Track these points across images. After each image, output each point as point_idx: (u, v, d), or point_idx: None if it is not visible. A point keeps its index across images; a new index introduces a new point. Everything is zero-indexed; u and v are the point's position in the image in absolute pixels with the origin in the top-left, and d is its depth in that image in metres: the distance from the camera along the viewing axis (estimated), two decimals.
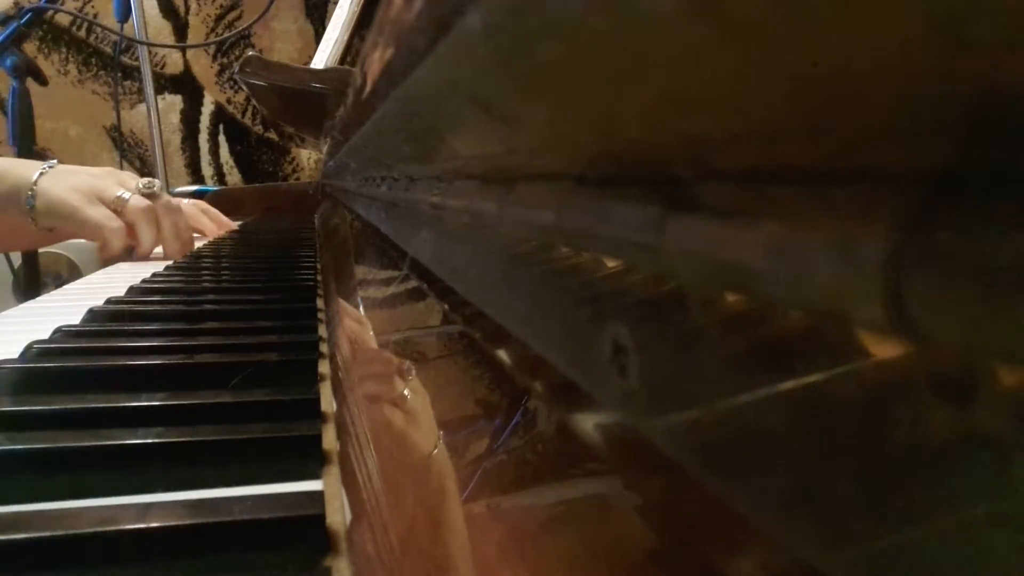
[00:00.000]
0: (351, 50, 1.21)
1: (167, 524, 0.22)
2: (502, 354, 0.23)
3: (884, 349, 0.09)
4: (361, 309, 0.47)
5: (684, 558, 0.12)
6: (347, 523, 0.23)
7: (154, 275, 0.74)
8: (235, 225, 1.29)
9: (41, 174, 0.87)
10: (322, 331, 0.48)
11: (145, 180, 0.93)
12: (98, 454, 0.27)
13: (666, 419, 0.13)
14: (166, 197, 0.94)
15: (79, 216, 0.86)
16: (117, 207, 0.88)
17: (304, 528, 0.23)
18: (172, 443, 0.28)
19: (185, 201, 1.28)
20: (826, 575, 0.09)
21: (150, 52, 1.92)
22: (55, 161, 0.90)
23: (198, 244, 1.04)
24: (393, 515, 0.20)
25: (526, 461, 0.19)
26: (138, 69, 1.93)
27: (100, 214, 0.86)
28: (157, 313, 0.54)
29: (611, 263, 0.16)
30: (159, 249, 0.94)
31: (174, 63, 2.15)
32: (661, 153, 0.14)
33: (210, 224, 1.20)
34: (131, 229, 0.89)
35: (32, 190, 0.86)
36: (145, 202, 0.90)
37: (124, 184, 0.91)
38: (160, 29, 2.10)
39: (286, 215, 1.60)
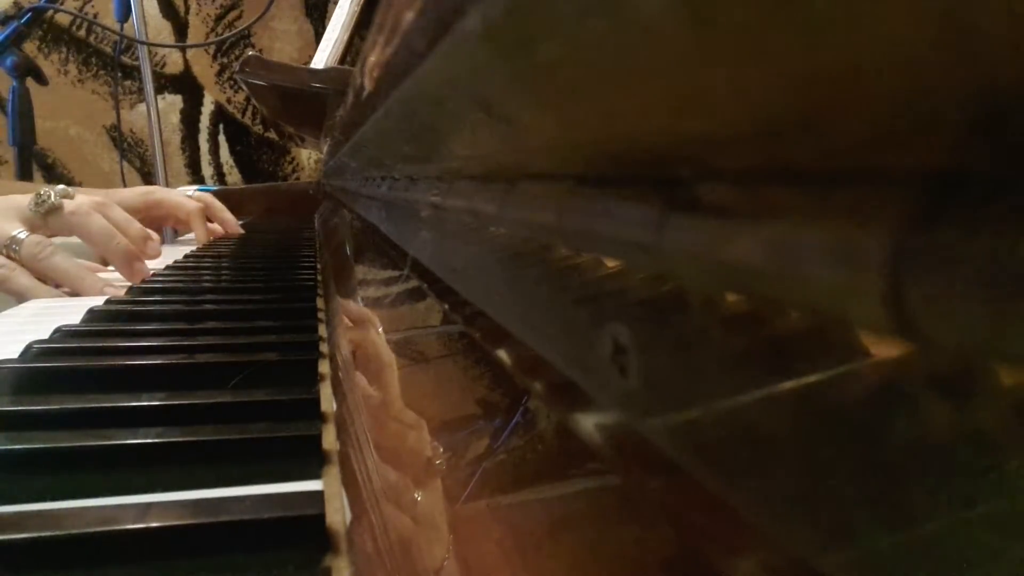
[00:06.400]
0: (351, 50, 1.21)
1: (167, 524, 0.22)
2: (502, 354, 0.23)
3: (884, 349, 0.09)
4: (361, 309, 0.47)
5: (684, 558, 0.12)
6: (347, 523, 0.23)
7: (154, 275, 0.74)
8: (240, 229, 1.19)
9: None
10: (322, 331, 0.48)
11: (33, 195, 0.72)
12: (98, 454, 0.27)
13: (666, 419, 0.13)
14: (76, 202, 0.73)
15: None
16: (11, 252, 0.69)
17: (304, 528, 0.23)
18: (172, 443, 0.28)
19: (190, 192, 1.21)
20: (826, 575, 0.09)
21: (150, 52, 1.92)
22: None
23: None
24: (393, 515, 0.20)
25: (526, 461, 0.19)
26: (138, 69, 1.93)
27: None
28: (157, 313, 0.54)
29: (611, 263, 0.16)
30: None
31: (174, 63, 2.15)
32: (661, 153, 0.14)
33: (203, 232, 1.08)
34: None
35: None
36: (37, 246, 0.69)
37: (17, 211, 0.71)
38: (160, 29, 2.09)
39: (286, 215, 1.60)
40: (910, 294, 0.08)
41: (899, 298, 0.08)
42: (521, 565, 0.15)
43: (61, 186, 0.75)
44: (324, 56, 1.22)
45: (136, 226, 0.79)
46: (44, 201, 0.72)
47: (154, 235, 0.83)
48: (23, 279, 0.68)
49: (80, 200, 0.75)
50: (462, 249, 0.29)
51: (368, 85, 0.34)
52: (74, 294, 0.70)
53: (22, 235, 0.69)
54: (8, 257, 0.69)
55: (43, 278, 0.69)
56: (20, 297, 0.68)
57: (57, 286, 0.70)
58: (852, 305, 0.09)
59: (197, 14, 2.13)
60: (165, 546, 0.22)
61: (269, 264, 0.82)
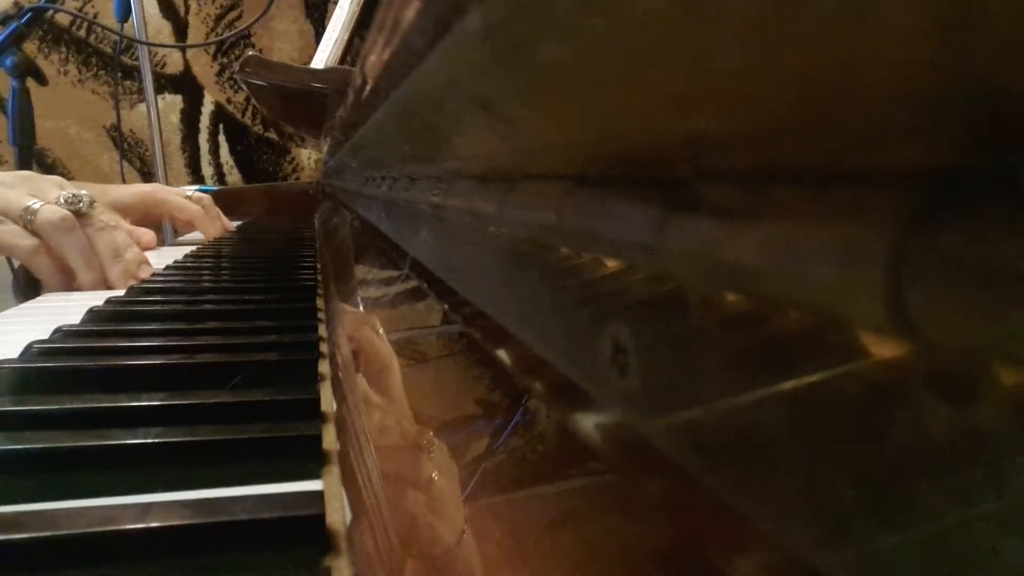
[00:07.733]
0: (351, 50, 1.21)
1: (167, 524, 0.22)
2: (502, 354, 0.23)
3: (884, 349, 0.09)
4: (361, 309, 0.47)
5: (683, 558, 0.12)
6: (347, 523, 0.23)
7: (154, 275, 0.74)
8: (232, 226, 1.22)
9: None
10: (322, 331, 0.48)
11: (69, 192, 0.73)
12: (98, 454, 0.27)
13: (666, 419, 0.13)
14: (101, 214, 0.75)
15: None
16: (26, 221, 0.69)
17: (304, 528, 0.23)
18: (172, 443, 0.28)
19: (188, 191, 1.23)
20: (826, 575, 0.09)
21: (150, 52, 1.92)
22: None
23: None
24: (393, 515, 0.20)
25: (526, 461, 0.19)
26: (138, 69, 1.93)
27: (3, 231, 0.68)
28: (157, 313, 0.54)
29: (611, 263, 0.16)
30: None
31: (174, 63, 2.15)
32: (661, 153, 0.14)
33: (214, 226, 1.12)
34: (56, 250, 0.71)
35: None
36: (60, 213, 0.70)
37: (41, 193, 0.72)
38: (160, 29, 2.09)
39: (286, 215, 1.60)
40: (910, 294, 0.08)
41: (899, 298, 0.08)
42: (521, 563, 0.15)
43: (87, 196, 0.74)
44: (324, 56, 1.22)
45: (134, 250, 0.78)
46: (78, 201, 0.73)
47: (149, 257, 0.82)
48: (42, 263, 0.70)
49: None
50: (462, 249, 0.29)
51: (368, 85, 0.34)
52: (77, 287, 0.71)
53: (36, 205, 0.70)
54: (24, 228, 0.70)
55: (53, 255, 0.71)
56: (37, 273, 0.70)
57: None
58: (852, 305, 0.09)
59: (197, 14, 2.13)
60: (165, 546, 0.22)
61: (269, 264, 0.82)
